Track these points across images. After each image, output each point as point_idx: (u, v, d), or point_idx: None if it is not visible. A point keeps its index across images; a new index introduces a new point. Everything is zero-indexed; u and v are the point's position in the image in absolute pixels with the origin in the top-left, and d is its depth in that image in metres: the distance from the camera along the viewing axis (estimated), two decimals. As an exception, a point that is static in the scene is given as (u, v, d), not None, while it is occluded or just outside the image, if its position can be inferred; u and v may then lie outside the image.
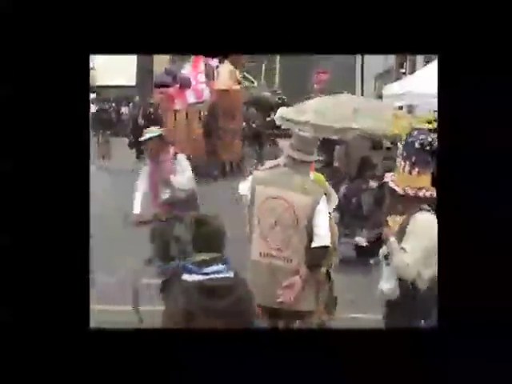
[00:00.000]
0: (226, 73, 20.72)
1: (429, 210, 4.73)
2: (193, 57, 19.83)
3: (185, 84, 19.09)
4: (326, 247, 5.12)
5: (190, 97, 19.16)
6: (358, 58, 34.64)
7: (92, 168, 4.39)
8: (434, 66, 15.87)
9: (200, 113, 20.26)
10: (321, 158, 6.20)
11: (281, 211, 5.10)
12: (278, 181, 5.19)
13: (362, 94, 31.74)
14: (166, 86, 19.55)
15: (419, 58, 25.50)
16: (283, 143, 5.55)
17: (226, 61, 20.74)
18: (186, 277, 3.82)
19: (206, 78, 19.84)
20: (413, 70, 23.58)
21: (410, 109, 13.74)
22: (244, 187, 5.39)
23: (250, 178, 5.38)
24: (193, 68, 19.81)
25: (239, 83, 21.36)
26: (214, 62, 20.46)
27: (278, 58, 38.58)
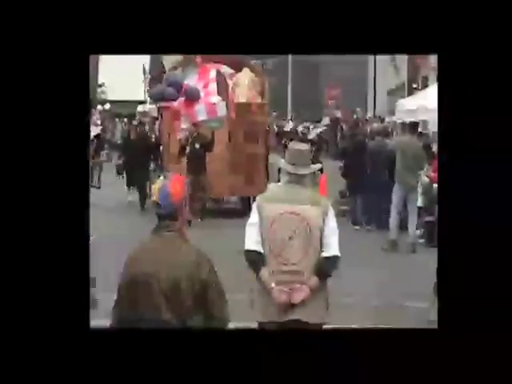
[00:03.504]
0: (246, 82, 16.36)
1: None
2: (199, 60, 16.01)
3: (192, 96, 15.13)
4: (336, 257, 5.16)
5: (200, 112, 15.07)
6: (371, 73, 34.71)
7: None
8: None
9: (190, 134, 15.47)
10: (318, 168, 6.14)
11: (296, 225, 5.13)
12: (286, 196, 5.24)
13: (375, 109, 31.82)
14: (169, 99, 15.58)
15: (432, 74, 25.55)
16: (279, 160, 5.58)
17: (245, 68, 16.64)
18: None
19: (220, 89, 15.79)
20: (425, 86, 23.63)
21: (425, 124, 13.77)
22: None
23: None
24: (200, 76, 15.87)
25: (263, 95, 16.87)
26: (227, 69, 16.49)
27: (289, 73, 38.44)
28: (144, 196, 16.98)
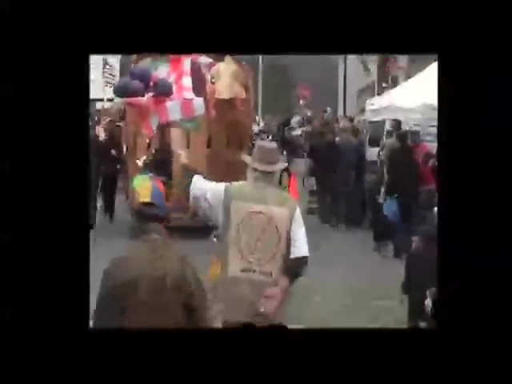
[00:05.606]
0: (228, 74, 13.08)
1: None
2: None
3: (163, 91, 11.95)
4: (305, 257, 5.13)
5: (174, 110, 11.86)
6: (341, 73, 34.84)
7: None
8: (415, 80, 15.99)
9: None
10: (285, 166, 5.87)
11: (263, 226, 5.09)
12: (254, 195, 5.17)
13: (345, 109, 31.94)
14: (134, 94, 11.86)
15: (401, 74, 25.69)
16: (245, 157, 5.43)
17: (227, 57, 13.24)
18: None
19: (196, 83, 12.72)
20: (395, 85, 23.72)
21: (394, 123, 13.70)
22: (201, 189, 5.29)
23: (214, 186, 5.31)
24: (172, 68, 12.80)
25: (247, 89, 13.66)
26: (205, 59, 13.51)
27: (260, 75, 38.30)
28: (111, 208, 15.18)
